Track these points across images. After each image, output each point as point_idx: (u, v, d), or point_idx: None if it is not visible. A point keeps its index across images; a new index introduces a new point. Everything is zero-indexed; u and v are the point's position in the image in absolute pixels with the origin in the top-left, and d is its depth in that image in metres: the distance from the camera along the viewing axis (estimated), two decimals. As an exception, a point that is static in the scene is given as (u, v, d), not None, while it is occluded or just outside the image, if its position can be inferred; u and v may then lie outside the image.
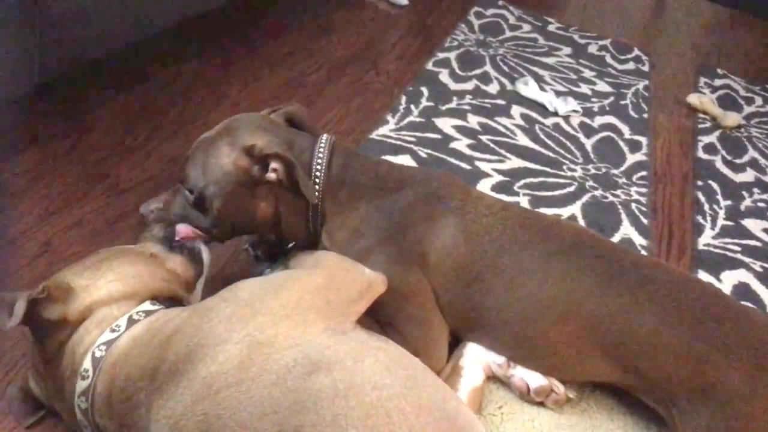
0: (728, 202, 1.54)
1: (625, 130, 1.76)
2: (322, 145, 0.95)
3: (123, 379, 0.71)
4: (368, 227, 0.92)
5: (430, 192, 0.93)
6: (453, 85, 1.79)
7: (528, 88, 1.81)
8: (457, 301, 0.91)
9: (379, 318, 0.90)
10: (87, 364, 0.73)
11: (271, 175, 0.90)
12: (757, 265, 1.34)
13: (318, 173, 0.93)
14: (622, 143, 1.69)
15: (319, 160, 0.94)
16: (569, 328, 0.88)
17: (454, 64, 1.91)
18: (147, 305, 0.79)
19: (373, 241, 0.91)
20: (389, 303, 0.87)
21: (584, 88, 1.92)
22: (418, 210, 0.91)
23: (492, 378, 0.96)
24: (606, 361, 0.89)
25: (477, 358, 0.94)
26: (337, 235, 0.94)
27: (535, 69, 1.97)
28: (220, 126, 0.96)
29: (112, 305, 0.77)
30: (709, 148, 1.76)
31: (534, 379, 0.93)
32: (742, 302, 1.23)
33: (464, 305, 0.91)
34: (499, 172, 1.46)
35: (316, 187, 0.93)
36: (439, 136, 1.55)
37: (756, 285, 1.29)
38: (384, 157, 1.40)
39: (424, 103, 1.68)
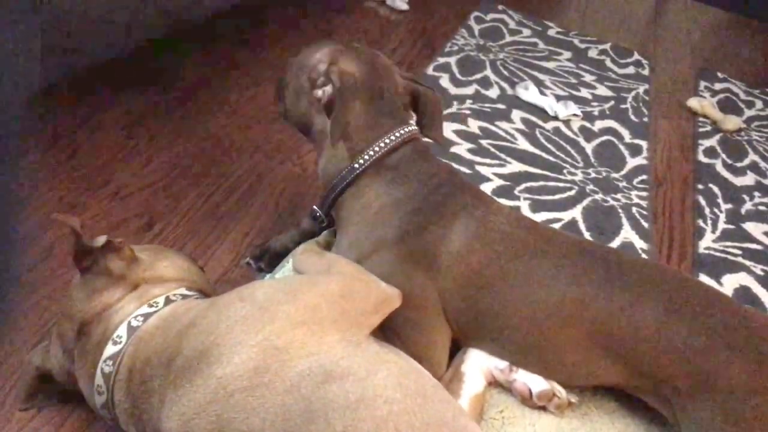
0: (729, 206, 1.54)
1: (626, 134, 1.76)
2: (400, 133, 0.96)
3: (143, 360, 0.72)
4: (392, 215, 0.92)
5: (458, 199, 0.94)
6: (453, 90, 1.79)
7: (528, 92, 1.81)
8: (464, 306, 0.91)
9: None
10: (122, 331, 0.76)
11: (317, 92, 0.96)
12: (758, 269, 1.34)
13: (376, 149, 0.95)
14: (622, 147, 1.69)
15: (387, 141, 0.95)
16: (574, 331, 0.88)
17: (455, 69, 1.91)
18: (183, 290, 0.83)
19: (389, 235, 0.91)
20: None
21: (584, 92, 1.93)
22: (442, 213, 0.92)
23: (493, 384, 0.96)
24: (610, 362, 0.89)
25: (478, 364, 0.94)
26: (361, 213, 0.94)
27: (535, 73, 1.98)
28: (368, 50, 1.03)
29: (157, 285, 0.82)
30: (710, 152, 1.76)
31: (536, 383, 0.93)
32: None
33: (471, 310, 0.91)
34: (499, 176, 1.47)
35: (366, 157, 0.95)
36: (439, 141, 1.55)
37: (757, 288, 1.29)
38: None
39: (424, 107, 1.68)
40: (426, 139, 1.03)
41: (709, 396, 0.83)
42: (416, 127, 1.00)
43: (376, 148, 0.95)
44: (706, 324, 0.85)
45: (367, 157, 0.94)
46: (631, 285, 0.88)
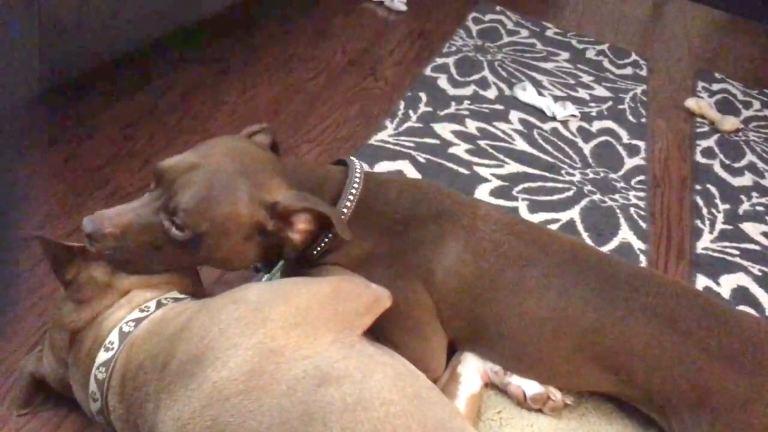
0: (727, 206, 1.55)
1: (624, 134, 1.76)
2: (357, 178, 0.89)
3: (136, 365, 0.72)
4: (379, 250, 0.90)
5: (441, 210, 0.91)
6: (451, 91, 1.80)
7: (526, 93, 1.81)
8: (458, 316, 0.91)
9: (375, 331, 0.89)
10: (114, 337, 0.75)
11: (296, 237, 0.82)
12: (756, 269, 1.35)
13: (346, 209, 0.88)
14: (620, 148, 1.70)
15: (351, 196, 0.88)
16: (565, 341, 0.88)
17: (453, 70, 1.91)
18: (175, 293, 0.82)
19: (379, 258, 0.90)
20: (387, 317, 0.86)
21: (582, 93, 1.93)
22: (429, 229, 0.90)
23: (490, 384, 0.96)
24: (602, 373, 0.89)
25: (474, 365, 0.94)
26: (344, 263, 0.90)
27: (533, 74, 1.98)
28: (220, 154, 0.80)
29: (148, 290, 0.81)
30: (708, 152, 1.77)
31: (530, 386, 0.93)
32: (741, 306, 1.23)
33: (465, 319, 0.91)
34: (497, 177, 1.47)
35: (331, 235, 0.87)
36: (437, 142, 1.55)
37: (755, 289, 1.29)
38: (384, 163, 1.42)
39: (422, 108, 1.68)
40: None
41: (706, 409, 0.83)
42: (357, 164, 0.91)
43: (345, 209, 0.87)
44: (700, 337, 0.85)
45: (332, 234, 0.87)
46: (623, 297, 0.87)
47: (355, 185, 0.88)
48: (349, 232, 0.83)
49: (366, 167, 0.92)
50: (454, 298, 0.90)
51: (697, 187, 1.60)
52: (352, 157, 0.92)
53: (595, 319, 0.87)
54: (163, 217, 0.78)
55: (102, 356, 0.75)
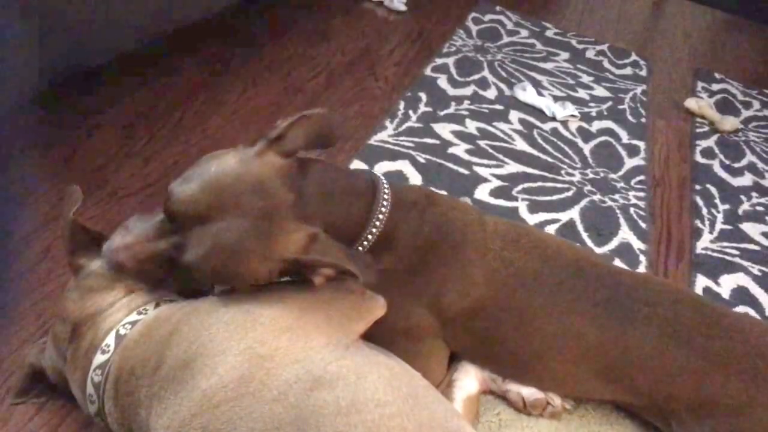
0: (726, 206, 1.55)
1: (623, 134, 1.76)
2: (385, 201, 0.84)
3: (128, 370, 0.71)
4: (392, 269, 0.87)
5: (455, 233, 0.88)
6: (451, 91, 1.79)
7: (526, 93, 1.81)
8: (464, 333, 0.91)
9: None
10: (110, 339, 0.75)
11: (318, 280, 0.77)
12: (756, 269, 1.35)
13: (371, 235, 0.83)
14: (620, 148, 1.70)
15: (378, 221, 0.83)
16: (570, 356, 0.88)
17: (452, 70, 1.91)
18: (174, 296, 0.81)
19: (390, 277, 0.87)
20: (389, 337, 0.85)
21: (582, 93, 1.93)
22: (444, 254, 0.88)
23: (488, 391, 0.96)
24: (605, 384, 0.89)
25: (472, 369, 0.94)
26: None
27: (533, 74, 1.98)
28: (232, 195, 0.73)
29: (151, 290, 0.80)
30: (707, 153, 1.77)
31: (529, 392, 0.93)
32: (741, 306, 1.23)
33: (469, 336, 0.91)
34: (497, 177, 1.47)
35: (365, 243, 0.83)
36: (437, 142, 1.55)
37: (755, 289, 1.29)
38: (384, 163, 1.42)
39: (422, 108, 1.68)
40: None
41: (708, 415, 0.83)
42: (383, 187, 0.86)
43: (370, 236, 0.84)
44: (703, 345, 0.85)
45: (366, 244, 0.84)
46: (625, 310, 0.87)
47: (383, 210, 0.84)
48: (374, 276, 0.78)
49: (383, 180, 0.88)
50: (461, 319, 0.89)
51: (697, 187, 1.61)
52: (379, 174, 0.88)
53: (599, 334, 0.87)
54: (177, 255, 0.74)
55: (98, 359, 0.74)
